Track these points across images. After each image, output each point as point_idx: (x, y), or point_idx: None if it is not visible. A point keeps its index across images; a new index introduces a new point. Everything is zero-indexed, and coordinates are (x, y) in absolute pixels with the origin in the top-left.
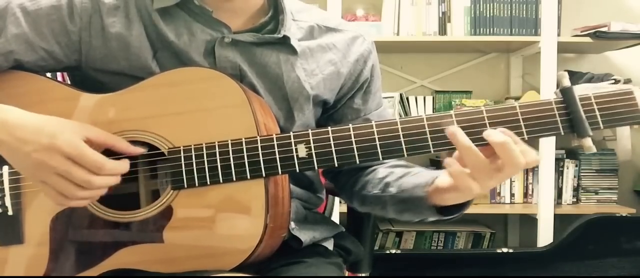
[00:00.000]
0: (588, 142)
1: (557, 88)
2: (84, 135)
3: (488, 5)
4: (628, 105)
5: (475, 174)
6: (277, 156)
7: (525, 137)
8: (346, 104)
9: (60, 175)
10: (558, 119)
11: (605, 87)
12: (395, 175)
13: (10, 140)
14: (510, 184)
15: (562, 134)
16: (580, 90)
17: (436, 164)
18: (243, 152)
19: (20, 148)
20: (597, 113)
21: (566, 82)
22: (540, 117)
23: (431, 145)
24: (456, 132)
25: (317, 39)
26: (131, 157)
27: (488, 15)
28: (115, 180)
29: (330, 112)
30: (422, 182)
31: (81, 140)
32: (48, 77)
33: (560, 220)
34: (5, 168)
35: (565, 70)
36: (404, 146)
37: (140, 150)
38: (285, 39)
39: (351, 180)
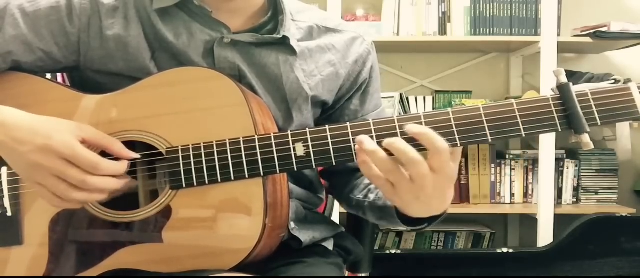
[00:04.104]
0: (586, 139)
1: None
2: (79, 135)
3: (488, 5)
4: (625, 101)
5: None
6: (275, 155)
7: (523, 134)
8: (344, 105)
9: (55, 176)
10: (555, 115)
11: (603, 86)
12: None
13: (7, 140)
14: (510, 184)
15: (560, 130)
16: (579, 89)
17: None
18: (241, 152)
19: (16, 149)
20: (595, 109)
21: (563, 78)
22: (538, 114)
23: None
24: (363, 140)
25: (316, 39)
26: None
27: (488, 15)
28: (114, 182)
29: (329, 113)
30: None
31: (76, 140)
32: (46, 78)
33: (560, 220)
34: (4, 169)
35: (565, 70)
36: None
37: (134, 155)
38: (285, 39)
39: (342, 182)
